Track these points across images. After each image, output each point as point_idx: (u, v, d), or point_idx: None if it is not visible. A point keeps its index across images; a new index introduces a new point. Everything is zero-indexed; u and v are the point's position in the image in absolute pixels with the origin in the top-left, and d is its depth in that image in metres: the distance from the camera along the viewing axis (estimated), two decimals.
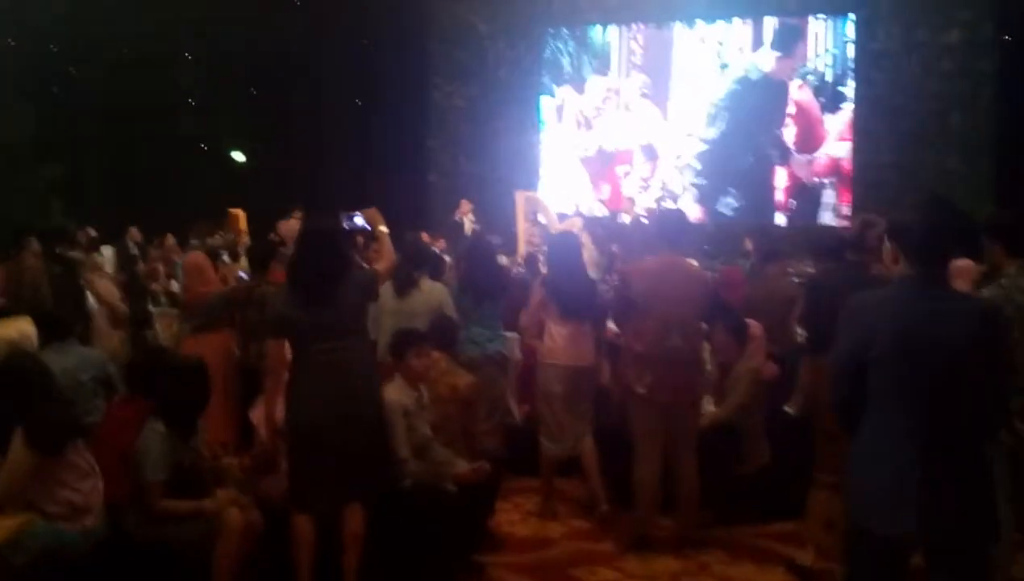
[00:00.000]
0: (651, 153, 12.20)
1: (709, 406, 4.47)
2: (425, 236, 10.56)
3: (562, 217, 9.68)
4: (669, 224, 4.23)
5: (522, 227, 9.09)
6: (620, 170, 12.37)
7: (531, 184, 12.11)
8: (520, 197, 9.24)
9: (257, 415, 3.47)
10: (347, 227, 3.86)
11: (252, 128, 13.82)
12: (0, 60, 12.27)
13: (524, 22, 12.46)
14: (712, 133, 11.86)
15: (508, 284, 5.45)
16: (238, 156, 15.43)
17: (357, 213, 3.86)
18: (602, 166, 12.44)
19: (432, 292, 4.79)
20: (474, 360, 4.67)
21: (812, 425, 3.74)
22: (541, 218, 9.44)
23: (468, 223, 9.87)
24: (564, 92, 12.62)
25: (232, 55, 12.85)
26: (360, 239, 6.63)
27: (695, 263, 7.67)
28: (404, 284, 4.71)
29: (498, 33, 12.55)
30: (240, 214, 11.69)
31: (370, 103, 13.31)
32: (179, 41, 13.09)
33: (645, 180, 12.24)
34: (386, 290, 4.68)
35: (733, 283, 6.61)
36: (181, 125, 13.71)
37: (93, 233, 9.71)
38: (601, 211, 11.97)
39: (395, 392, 3.54)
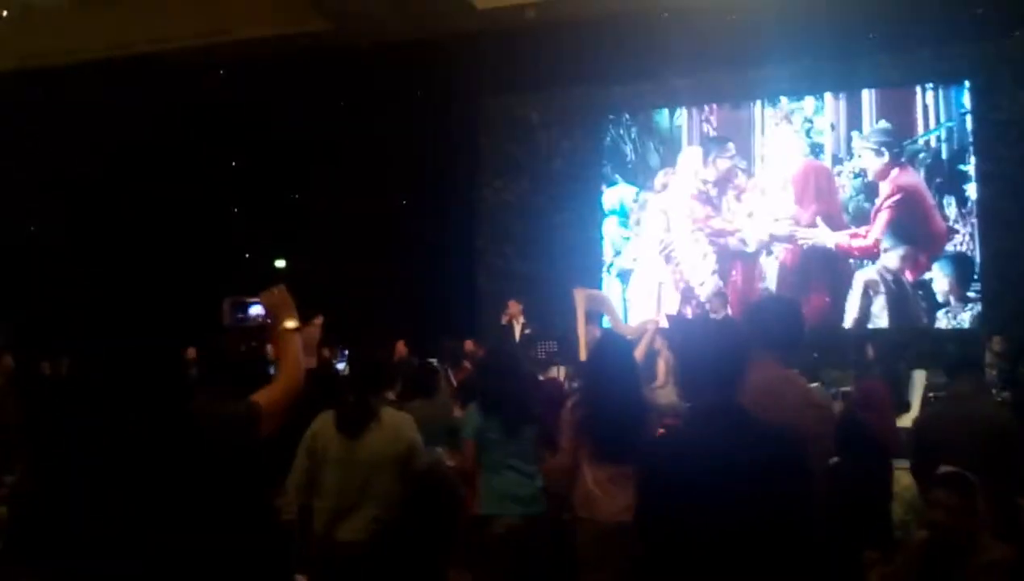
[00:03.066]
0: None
1: None
2: (470, 344, 9.10)
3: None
4: (774, 319, 2.60)
5: (583, 330, 7.46)
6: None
7: (593, 283, 10.57)
8: (580, 295, 7.61)
9: None
10: (238, 320, 2.24)
11: (294, 234, 12.90)
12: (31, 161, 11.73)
13: (581, 110, 11.26)
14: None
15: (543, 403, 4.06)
16: (280, 263, 14.52)
17: (253, 299, 2.18)
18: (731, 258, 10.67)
19: (400, 429, 3.21)
20: (515, 528, 3.12)
21: None
22: (607, 322, 7.85)
23: (518, 327, 8.30)
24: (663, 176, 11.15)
25: (273, 158, 12.06)
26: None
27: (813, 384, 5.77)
28: (354, 417, 3.16)
29: (552, 123, 11.35)
30: None
31: (415, 203, 12.21)
32: (222, 146, 12.41)
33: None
34: (326, 427, 3.19)
35: (878, 402, 4.81)
36: (221, 233, 12.89)
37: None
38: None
39: None
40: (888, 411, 4.84)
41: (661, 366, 7.16)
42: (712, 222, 10.62)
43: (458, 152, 11.67)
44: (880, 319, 9.66)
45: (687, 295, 10.54)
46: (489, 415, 3.51)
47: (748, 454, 1.88)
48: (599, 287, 10.69)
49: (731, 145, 10.63)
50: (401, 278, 11.43)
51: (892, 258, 9.67)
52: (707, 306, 9.55)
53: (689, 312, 10.38)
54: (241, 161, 12.38)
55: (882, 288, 9.66)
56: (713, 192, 10.66)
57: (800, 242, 10.11)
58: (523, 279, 11.15)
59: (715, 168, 10.65)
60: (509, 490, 3.37)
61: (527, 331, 8.19)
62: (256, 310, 2.14)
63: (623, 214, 11.23)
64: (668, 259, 10.96)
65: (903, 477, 4.72)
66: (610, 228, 11.30)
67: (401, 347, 8.61)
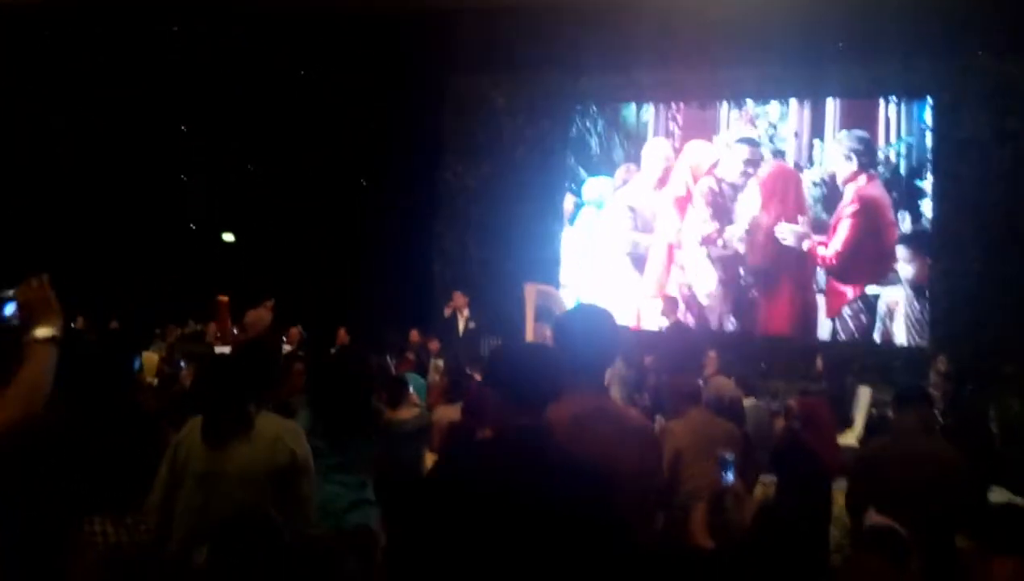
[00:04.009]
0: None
1: None
2: (415, 335, 8.90)
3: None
4: (579, 338, 2.22)
5: (531, 327, 7.34)
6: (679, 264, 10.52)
7: (551, 278, 10.41)
8: (530, 291, 7.52)
9: None
10: None
11: (244, 207, 12.46)
12: None
13: (548, 98, 11.03)
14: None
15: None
16: (228, 237, 14.06)
17: (6, 295, 1.75)
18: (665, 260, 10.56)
19: (280, 439, 2.77)
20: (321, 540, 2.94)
21: None
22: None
23: (462, 320, 8.12)
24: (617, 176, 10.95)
25: (228, 129, 11.61)
26: None
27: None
28: (220, 424, 2.76)
29: (518, 109, 11.12)
30: (227, 302, 10.15)
31: (374, 182, 11.89)
32: (171, 110, 11.89)
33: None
34: (191, 436, 2.80)
35: (820, 420, 4.73)
36: (167, 203, 12.40)
37: None
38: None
39: None
40: (830, 430, 4.78)
41: (607, 373, 7.08)
42: (704, 227, 10.46)
43: (421, 132, 11.38)
44: (899, 337, 9.49)
45: (688, 299, 10.21)
46: (316, 421, 3.17)
47: (534, 488, 1.77)
48: (557, 282, 10.56)
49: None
50: (354, 260, 11.14)
51: (909, 269, 9.51)
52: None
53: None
54: (192, 126, 11.89)
55: (903, 308, 9.49)
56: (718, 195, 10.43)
57: (774, 240, 10.03)
58: (480, 268, 10.96)
59: (740, 171, 10.32)
60: (324, 502, 3.02)
61: (471, 325, 8.01)
62: (10, 309, 1.70)
63: (600, 207, 11.04)
64: (638, 258, 10.76)
65: (843, 498, 4.67)
66: (585, 221, 11.12)
67: (342, 334, 8.38)
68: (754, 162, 10.23)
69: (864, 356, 8.69)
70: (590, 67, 10.47)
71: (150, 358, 5.85)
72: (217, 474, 2.71)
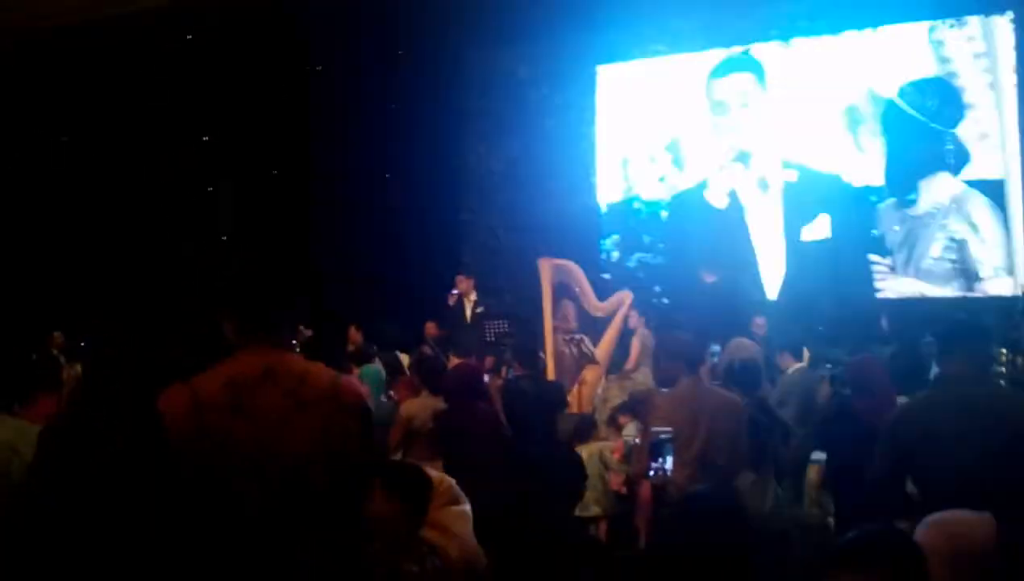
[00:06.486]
0: None
1: None
2: (431, 328, 8.10)
3: None
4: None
5: (548, 306, 6.45)
6: None
7: (591, 259, 9.45)
8: (545, 266, 6.64)
9: None
10: None
11: (271, 212, 12.03)
12: None
13: (573, 61, 10.10)
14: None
15: None
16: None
17: None
18: None
19: (10, 445, 2.24)
20: None
21: None
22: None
23: (469, 305, 7.32)
24: None
25: (239, 125, 11.20)
26: None
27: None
28: None
29: (540, 78, 10.23)
30: None
31: (399, 176, 11.23)
32: (191, 116, 11.54)
33: None
34: None
35: (872, 382, 3.72)
36: (186, 205, 12.07)
37: None
38: None
39: None
40: (888, 393, 3.74)
41: (635, 347, 6.12)
42: None
43: (441, 115, 10.64)
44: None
45: None
46: None
47: None
48: (597, 260, 9.66)
49: None
50: (380, 260, 10.50)
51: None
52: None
53: None
54: (212, 132, 11.53)
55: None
56: None
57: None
58: (512, 254, 10.12)
59: None
60: None
61: (479, 310, 7.21)
62: None
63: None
64: None
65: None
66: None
67: (354, 333, 7.72)
68: None
69: (945, 313, 7.35)
70: (615, 19, 9.46)
71: None
72: None
